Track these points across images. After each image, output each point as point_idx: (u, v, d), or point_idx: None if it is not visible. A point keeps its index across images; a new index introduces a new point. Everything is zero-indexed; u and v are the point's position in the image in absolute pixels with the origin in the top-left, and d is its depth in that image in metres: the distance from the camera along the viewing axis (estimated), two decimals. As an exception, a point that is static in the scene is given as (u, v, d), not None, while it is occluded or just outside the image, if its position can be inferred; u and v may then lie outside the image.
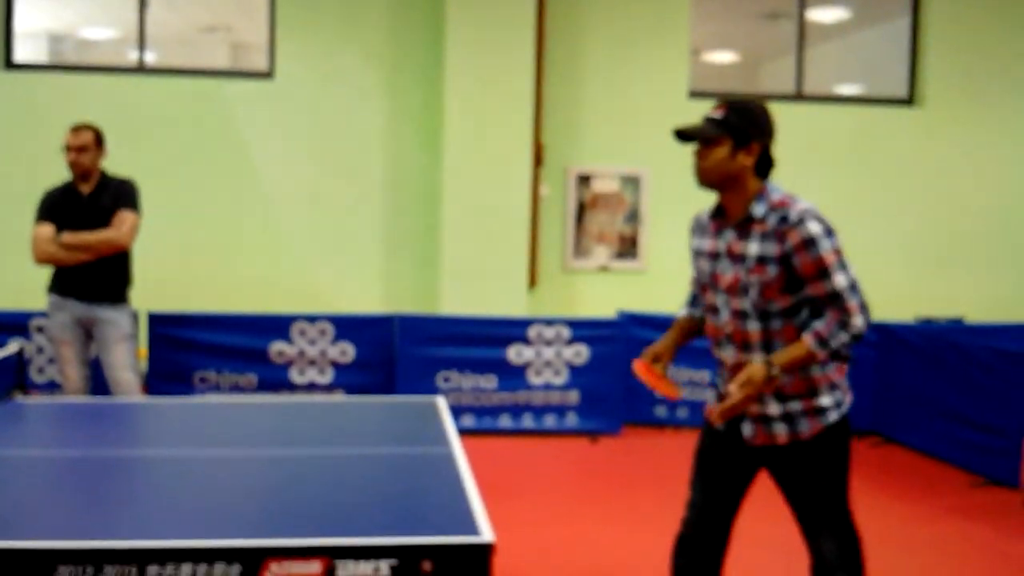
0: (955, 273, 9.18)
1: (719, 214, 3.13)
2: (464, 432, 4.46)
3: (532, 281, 8.40)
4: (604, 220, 8.77)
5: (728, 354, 3.10)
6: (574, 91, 8.66)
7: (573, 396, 7.27)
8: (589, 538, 5.04)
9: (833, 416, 3.06)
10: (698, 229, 3.23)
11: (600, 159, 8.71)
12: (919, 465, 6.77)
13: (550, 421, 7.26)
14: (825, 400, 3.05)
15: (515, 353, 7.23)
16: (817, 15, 9.30)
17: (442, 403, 4.44)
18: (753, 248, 2.99)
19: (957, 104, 9.09)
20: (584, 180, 8.76)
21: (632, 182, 8.76)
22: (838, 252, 2.95)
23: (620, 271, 8.73)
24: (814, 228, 2.93)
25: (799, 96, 9.06)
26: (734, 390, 2.89)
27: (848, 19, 9.62)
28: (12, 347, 4.95)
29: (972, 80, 9.08)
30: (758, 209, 3.01)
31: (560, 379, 7.25)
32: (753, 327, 3.02)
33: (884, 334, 7.39)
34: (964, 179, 9.17)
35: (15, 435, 4.00)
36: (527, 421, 7.25)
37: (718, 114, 3.04)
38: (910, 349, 7.11)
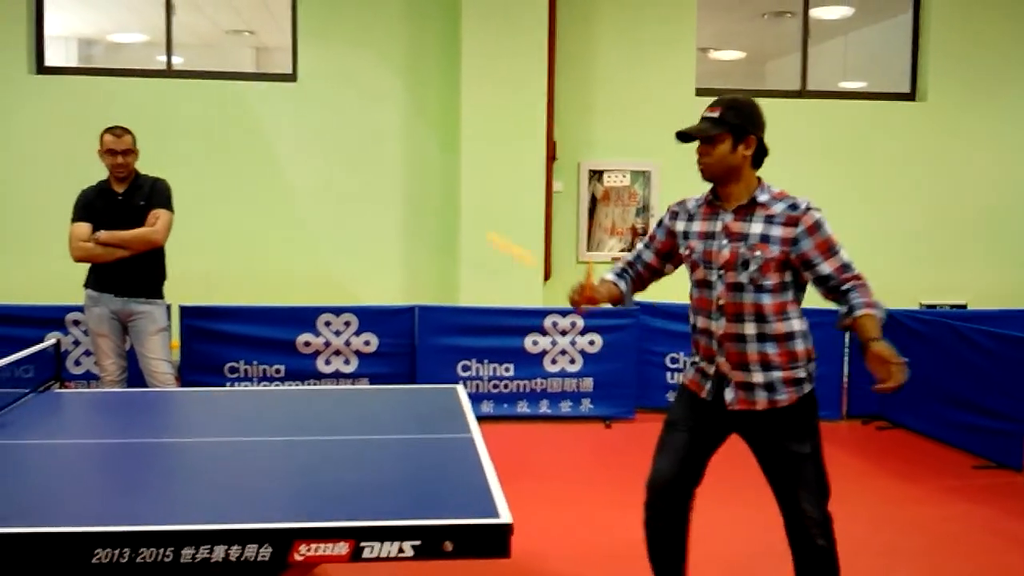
0: (957, 262, 9.26)
1: (713, 201, 3.40)
2: (483, 418, 4.45)
3: (547, 273, 8.49)
4: (616, 213, 8.93)
5: (719, 324, 3.33)
6: (586, 90, 8.76)
7: (587, 383, 7.37)
8: (603, 519, 5.09)
9: (808, 386, 3.34)
10: (683, 214, 3.48)
11: (611, 154, 8.82)
12: (924, 448, 6.79)
13: (565, 407, 7.37)
14: (802, 372, 3.33)
15: (531, 342, 7.33)
16: (821, 13, 9.34)
17: (462, 391, 4.52)
18: (757, 228, 3.27)
19: (958, 98, 9.16)
20: (596, 175, 8.89)
21: (642, 176, 8.92)
22: (834, 234, 3.30)
23: (632, 263, 8.88)
24: (818, 214, 3.27)
25: (804, 92, 9.14)
26: (886, 366, 3.07)
27: (851, 16, 9.64)
28: (50, 340, 5.12)
29: (972, 75, 9.15)
30: (763, 196, 3.31)
31: (575, 367, 7.36)
32: (748, 299, 3.28)
33: (888, 320, 7.39)
34: (965, 171, 9.25)
35: (53, 424, 4.09)
36: (543, 407, 7.36)
37: (715, 113, 3.30)
38: (914, 335, 7.13)
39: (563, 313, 7.39)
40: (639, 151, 8.79)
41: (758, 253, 3.25)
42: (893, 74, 9.41)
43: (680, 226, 3.48)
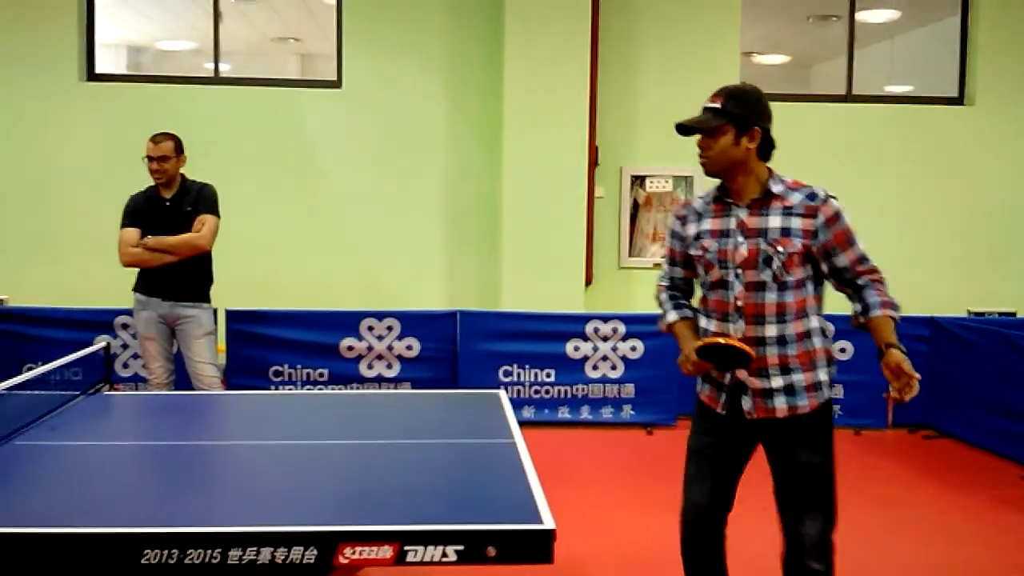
0: (1005, 269, 9.11)
1: (722, 198, 3.20)
2: (524, 424, 4.46)
3: (588, 278, 8.48)
4: (658, 219, 8.91)
5: (737, 327, 3.13)
6: (628, 95, 8.74)
7: (629, 389, 7.38)
8: (645, 526, 5.11)
9: (827, 392, 3.17)
10: (692, 215, 3.28)
11: (653, 160, 8.77)
12: (970, 457, 6.75)
13: (607, 413, 7.39)
14: (822, 375, 3.15)
15: (573, 348, 7.36)
16: (867, 16, 9.25)
17: (503, 396, 4.54)
18: (775, 221, 3.09)
19: (1006, 103, 9.02)
20: (638, 180, 8.85)
21: (684, 181, 8.89)
22: (852, 223, 3.14)
23: (674, 269, 8.82)
24: (837, 204, 3.12)
25: (849, 96, 9.05)
26: (904, 378, 2.91)
27: (898, 19, 9.55)
28: (99, 343, 5.20)
29: (1021, 79, 9.00)
30: (777, 187, 3.12)
31: (616, 373, 7.38)
32: (770, 298, 3.09)
33: (935, 328, 7.35)
34: (1013, 176, 9.11)
35: (103, 426, 4.17)
36: (585, 413, 7.37)
37: (716, 103, 3.10)
38: (961, 343, 7.08)
39: (604, 319, 7.42)
40: (681, 156, 8.56)
41: (781, 248, 3.06)
42: (941, 78, 9.30)
43: (691, 228, 3.26)
